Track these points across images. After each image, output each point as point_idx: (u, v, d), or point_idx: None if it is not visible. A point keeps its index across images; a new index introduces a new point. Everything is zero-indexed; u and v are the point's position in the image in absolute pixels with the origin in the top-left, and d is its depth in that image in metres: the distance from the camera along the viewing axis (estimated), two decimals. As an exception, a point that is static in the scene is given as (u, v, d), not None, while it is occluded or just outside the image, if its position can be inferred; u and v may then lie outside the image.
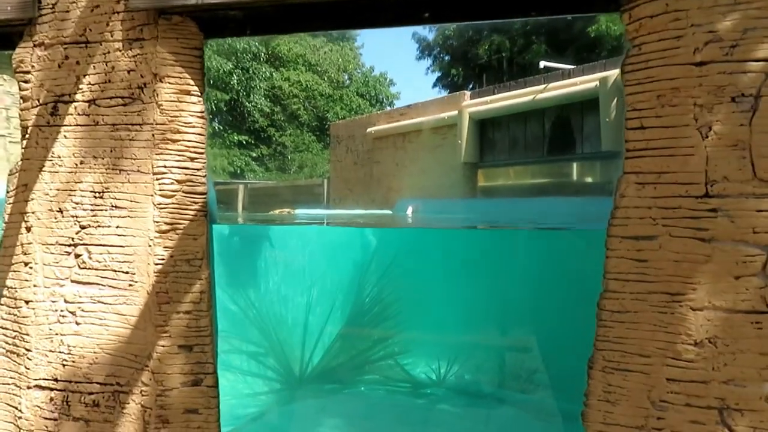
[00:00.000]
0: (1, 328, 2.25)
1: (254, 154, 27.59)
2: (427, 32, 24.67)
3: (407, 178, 10.30)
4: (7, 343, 2.23)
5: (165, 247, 2.03)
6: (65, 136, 2.12)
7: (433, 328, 5.38)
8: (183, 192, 2.04)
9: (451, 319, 5.29)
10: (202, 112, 2.08)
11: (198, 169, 2.06)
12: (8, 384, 2.23)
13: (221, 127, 24.83)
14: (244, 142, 26.47)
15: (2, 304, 2.24)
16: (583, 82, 7.55)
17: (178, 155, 2.04)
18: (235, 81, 24.16)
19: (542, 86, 8.13)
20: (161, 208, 2.03)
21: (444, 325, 5.35)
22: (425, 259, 5.38)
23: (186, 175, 2.05)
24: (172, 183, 2.03)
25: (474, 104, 9.42)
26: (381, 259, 5.62)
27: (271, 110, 28.02)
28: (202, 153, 2.07)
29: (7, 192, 2.24)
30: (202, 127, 2.07)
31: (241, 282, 4.94)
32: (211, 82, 22.59)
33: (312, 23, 2.02)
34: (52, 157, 2.13)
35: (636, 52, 1.71)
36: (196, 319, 2.05)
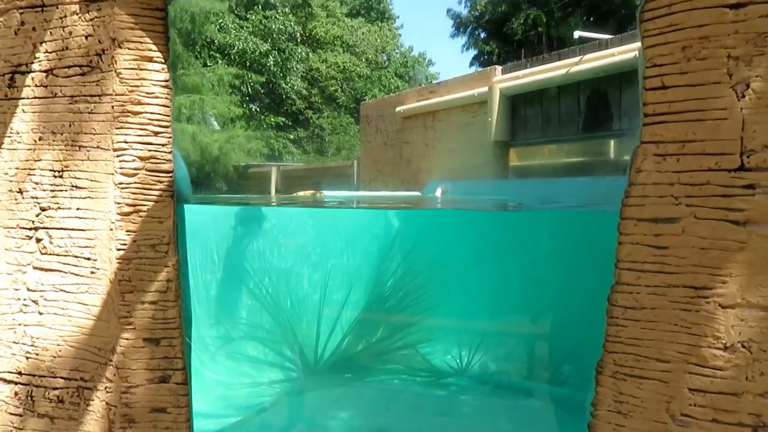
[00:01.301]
0: (-30, 316, 2.12)
1: (292, 137, 27.59)
2: (462, 8, 24.03)
3: (437, 158, 9.98)
4: (-25, 332, 2.10)
5: (127, 231, 1.85)
6: (23, 110, 1.95)
7: (457, 315, 5.13)
8: (146, 170, 1.85)
9: (476, 305, 5.03)
10: (167, 81, 1.87)
11: (163, 145, 1.87)
12: (-23, 376, 2.10)
13: (258, 109, 24.86)
14: (282, 124, 26.46)
15: (-30, 292, 2.11)
16: (621, 53, 7.05)
17: (140, 129, 1.85)
18: (272, 62, 24.08)
19: (577, 58, 7.66)
20: (123, 188, 1.84)
21: (468, 312, 5.10)
22: (449, 243, 5.11)
23: (149, 151, 1.85)
24: (133, 160, 1.84)
25: (505, 80, 8.99)
26: (403, 242, 5.38)
27: (308, 92, 27.91)
28: (167, 127, 1.87)
29: (-28, 172, 2.09)
30: (166, 98, 1.87)
31: (252, 266, 4.79)
32: (247, 64, 22.56)
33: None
34: (10, 133, 1.96)
35: (656, -5, 1.41)
36: (163, 310, 1.87)
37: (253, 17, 23.99)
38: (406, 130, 10.94)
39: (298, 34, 26.08)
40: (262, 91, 25.35)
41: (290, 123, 27.41)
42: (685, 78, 1.39)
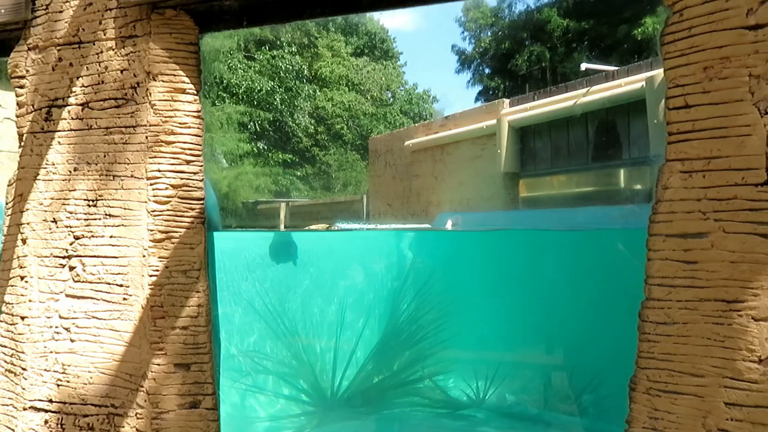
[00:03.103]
0: (0, 346, 2.14)
1: (299, 174, 27.81)
2: (467, 44, 24.46)
3: (446, 191, 10.03)
4: (5, 361, 2.12)
5: (160, 257, 1.88)
6: (59, 142, 2.01)
7: (473, 346, 5.09)
8: (178, 198, 1.90)
9: (492, 335, 5.00)
10: (199, 111, 1.93)
11: (194, 173, 1.92)
12: (6, 405, 2.12)
13: (265, 147, 25.14)
14: (289, 161, 26.71)
15: (1, 321, 2.14)
16: (628, 83, 7.16)
17: (173, 158, 1.90)
18: (278, 101, 24.47)
19: (584, 90, 7.76)
20: (155, 216, 1.88)
21: (484, 343, 5.07)
22: (464, 273, 5.11)
23: (181, 179, 1.90)
24: (166, 188, 1.89)
25: (513, 112, 9.11)
26: (418, 274, 5.39)
27: (315, 130, 28.25)
28: (198, 156, 1.93)
29: (6, 203, 2.15)
30: (198, 128, 1.93)
31: (269, 297, 4.79)
32: (255, 102, 22.92)
33: (310, 10, 1.85)
34: (46, 164, 2.02)
35: (677, 19, 1.47)
36: (194, 335, 1.89)
37: (261, 56, 24.48)
38: (415, 164, 11.03)
39: (305, 72, 26.55)
40: (269, 129, 25.69)
41: (297, 160, 27.67)
42: (707, 97, 1.44)
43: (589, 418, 4.50)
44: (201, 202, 1.92)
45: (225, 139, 18.29)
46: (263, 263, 4.74)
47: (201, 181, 1.92)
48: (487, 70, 22.04)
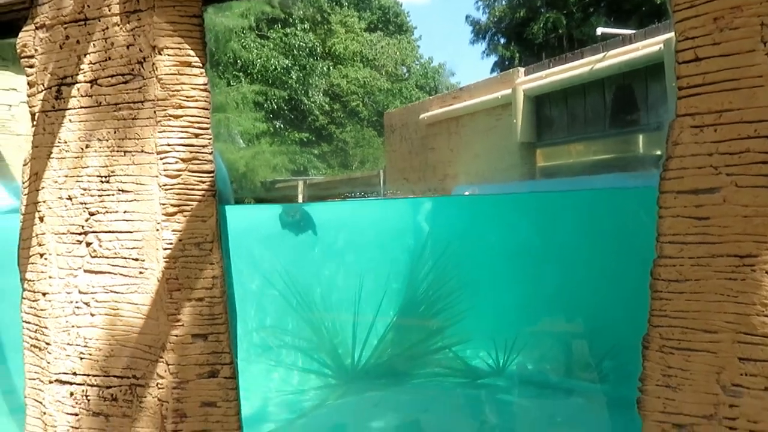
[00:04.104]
0: (25, 322, 2.20)
1: (316, 152, 27.80)
2: (480, 14, 24.03)
3: (462, 163, 9.97)
4: (30, 337, 2.18)
5: (173, 231, 1.91)
6: (70, 120, 2.03)
7: (492, 315, 5.10)
8: (189, 171, 1.91)
9: (511, 304, 5.00)
10: (206, 84, 1.94)
11: (204, 146, 1.93)
12: (33, 379, 2.18)
13: (282, 126, 25.15)
14: (305, 140, 26.70)
15: (24, 298, 2.19)
16: (646, 47, 6.97)
17: (182, 132, 1.91)
18: (293, 79, 24.38)
19: (600, 55, 7.59)
20: (167, 189, 1.90)
21: (504, 312, 5.07)
22: (482, 242, 5.09)
23: (191, 152, 1.91)
24: (176, 162, 1.90)
25: (528, 81, 8.96)
26: (435, 244, 5.39)
27: (330, 107, 28.15)
28: (207, 129, 1.94)
29: (22, 183, 2.19)
30: (205, 101, 1.93)
31: (287, 272, 4.83)
32: (270, 81, 22.86)
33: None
34: (58, 142, 2.05)
35: (685, -32, 1.43)
36: (210, 306, 1.92)
37: (274, 35, 24.35)
38: (430, 137, 10.96)
39: (318, 49, 26.37)
40: (285, 108, 25.66)
41: (314, 138, 27.65)
42: (718, 48, 1.40)
43: (610, 385, 4.50)
44: (211, 175, 1.93)
45: (241, 119, 18.32)
46: (279, 237, 4.77)
47: (210, 154, 1.93)
48: (502, 40, 21.66)
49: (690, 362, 1.45)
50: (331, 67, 27.51)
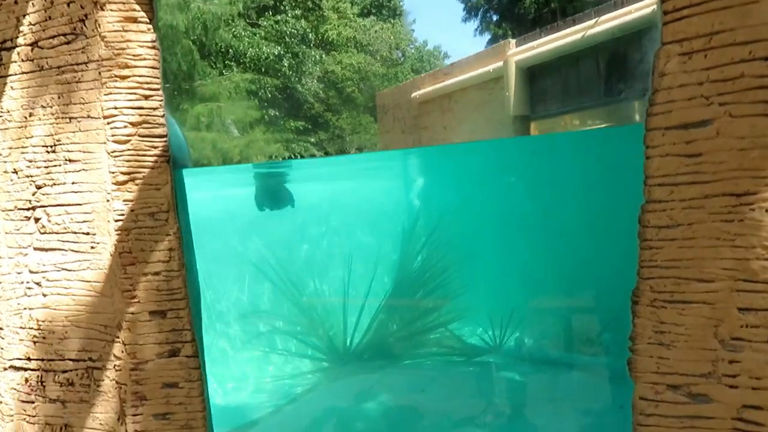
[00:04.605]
0: (-21, 307, 2.06)
1: (312, 140, 27.59)
2: (471, -11, 23.66)
3: (457, 140, 9.79)
4: (-16, 323, 2.04)
5: (124, 201, 1.76)
6: (12, 87, 1.88)
7: (488, 290, 4.97)
8: (139, 136, 1.77)
9: (507, 278, 4.87)
10: (154, 41, 1.78)
11: (154, 108, 1.78)
12: (-9, 367, 2.05)
13: (276, 114, 24.92)
14: (302, 128, 26.48)
15: (-23, 282, 2.05)
16: (638, 9, 6.76)
17: (130, 93, 1.76)
18: (286, 66, 24.11)
19: (592, 21, 7.38)
20: (116, 156, 1.76)
21: (499, 286, 4.93)
22: (474, 214, 4.93)
23: (140, 116, 1.76)
24: (125, 126, 1.75)
25: (520, 52, 8.75)
26: (426, 219, 5.25)
27: (325, 94, 27.88)
28: (157, 90, 1.79)
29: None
30: (154, 59, 1.78)
31: (272, 252, 4.69)
32: (262, 69, 22.61)
33: None
34: (1, 112, 1.90)
35: None
36: (167, 281, 1.78)
37: (265, 23, 24.07)
38: (423, 116, 10.77)
39: (311, 36, 26.07)
40: (279, 96, 25.41)
41: (310, 126, 27.41)
42: (706, -38, 1.25)
43: (612, 357, 4.37)
44: (164, 139, 1.78)
45: (234, 108, 18.13)
46: (263, 218, 4.62)
47: (162, 117, 1.78)
48: (494, 17, 21.36)
49: (684, 316, 1.31)
50: (323, 55, 27.23)
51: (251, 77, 21.13)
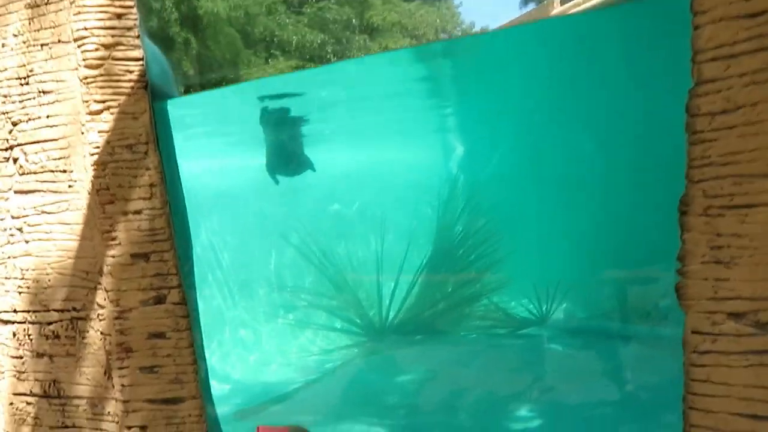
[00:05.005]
0: (-30, 261, 1.95)
1: (360, 125, 27.49)
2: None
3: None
4: (-24, 277, 1.93)
5: (99, 132, 1.59)
6: (-17, 17, 1.74)
7: (532, 259, 4.65)
8: (112, 59, 1.59)
9: (553, 244, 4.54)
10: (125, -47, 1.60)
11: (128, 29, 1.60)
12: (-16, 324, 1.94)
13: (323, 102, 24.94)
14: (349, 115, 26.39)
15: (-33, 234, 1.94)
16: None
17: (100, 12, 1.59)
18: (330, 53, 24.06)
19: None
20: (88, 83, 1.59)
21: (544, 254, 4.61)
22: (516, 172, 4.60)
23: (113, 36, 1.59)
24: (96, 48, 1.58)
25: (565, 10, 8.29)
26: (466, 185, 4.97)
27: (372, 80, 27.70)
28: (131, 7, 1.60)
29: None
30: (127, -27, 1.60)
31: (304, 226, 4.51)
32: (307, 57, 22.61)
33: None
34: (-26, 45, 1.76)
35: None
36: (149, 220, 1.61)
37: (308, 10, 24.06)
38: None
39: (355, 22, 25.92)
40: (325, 84, 25.34)
41: (357, 112, 27.31)
42: None
43: (671, 326, 4.00)
44: (140, 62, 1.60)
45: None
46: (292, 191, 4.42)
47: (137, 38, 1.60)
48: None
49: (748, 224, 1.03)
50: (367, 40, 27.03)
51: (296, 64, 21.17)
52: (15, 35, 1.69)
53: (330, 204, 4.98)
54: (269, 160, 3.42)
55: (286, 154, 3.54)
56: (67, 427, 1.74)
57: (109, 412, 1.68)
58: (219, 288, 4.53)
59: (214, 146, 4.62)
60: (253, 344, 4.45)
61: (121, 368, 1.64)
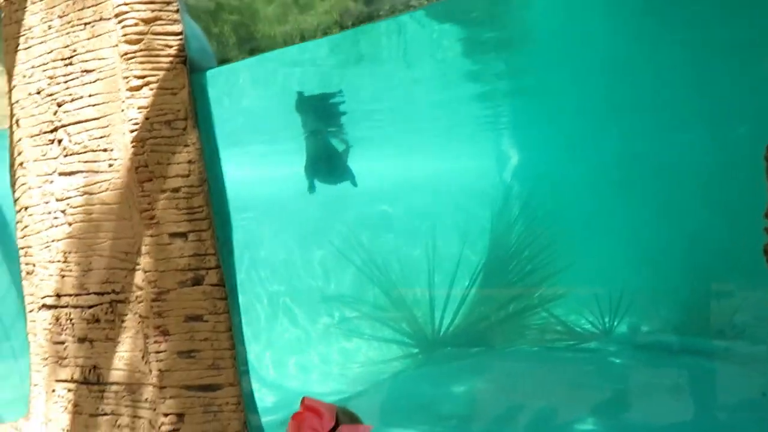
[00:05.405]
0: (20, 248, 1.96)
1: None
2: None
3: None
4: (25, 263, 1.93)
5: (138, 108, 1.57)
6: (32, 2, 1.76)
7: (595, 272, 4.41)
8: (152, 34, 1.57)
9: (617, 253, 4.29)
10: (165, -71, 1.58)
11: (167, 3, 1.58)
12: (31, 311, 1.93)
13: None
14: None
15: (17, 221, 1.96)
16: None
17: (141, -13, 1.57)
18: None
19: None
20: (128, 59, 1.57)
21: (610, 266, 4.35)
22: (577, 176, 4.38)
23: (153, 11, 1.57)
24: (136, 23, 1.56)
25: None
26: (520, 194, 4.80)
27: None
28: (171, -18, 1.58)
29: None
30: (166, -52, 1.58)
31: (355, 236, 4.42)
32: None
33: None
34: (24, 31, 1.79)
35: None
36: (187, 199, 1.56)
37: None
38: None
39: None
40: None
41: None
42: None
43: (747, 341, 3.70)
44: (179, 37, 1.58)
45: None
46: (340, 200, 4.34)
47: (176, 12, 1.58)
48: None
49: None
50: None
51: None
52: (60, 16, 1.70)
53: (379, 210, 4.90)
54: (308, 162, 3.30)
55: (328, 161, 3.41)
56: (105, 414, 1.69)
57: (146, 399, 1.62)
58: (269, 297, 4.51)
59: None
60: (302, 353, 4.38)
61: (158, 352, 1.58)
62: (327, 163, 3.42)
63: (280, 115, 3.71)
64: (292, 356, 4.32)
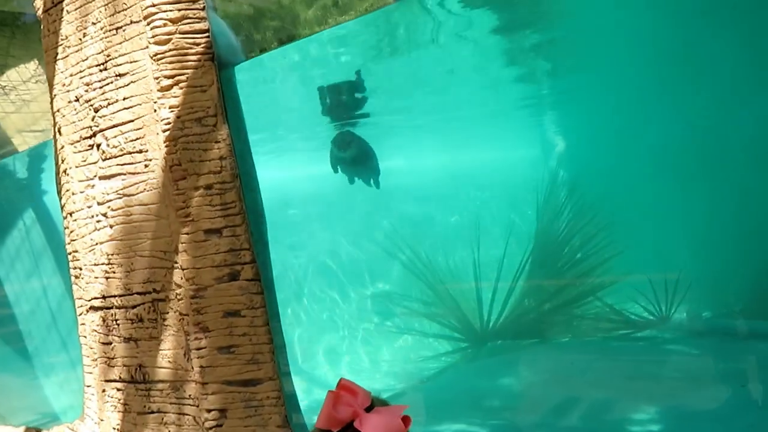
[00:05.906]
0: (68, 254, 2.02)
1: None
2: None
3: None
4: (73, 267, 1.98)
5: (170, 108, 1.58)
6: (68, 11, 1.81)
7: (650, 257, 4.24)
8: (180, 33, 1.58)
9: (672, 237, 4.12)
10: (189, -71, 1.59)
11: (193, 1, 1.58)
12: (80, 314, 1.99)
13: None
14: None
15: (65, 227, 2.02)
16: None
17: (167, -12, 1.58)
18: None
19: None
20: (158, 60, 1.59)
21: (666, 251, 4.18)
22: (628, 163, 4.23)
23: (179, 10, 1.58)
24: (164, 24, 1.58)
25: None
26: (568, 180, 4.67)
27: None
28: (196, -20, 1.59)
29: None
30: (190, -52, 1.59)
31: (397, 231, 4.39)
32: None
33: None
34: (61, 40, 1.83)
35: None
36: (220, 194, 1.57)
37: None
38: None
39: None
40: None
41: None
42: None
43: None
44: (206, 35, 1.58)
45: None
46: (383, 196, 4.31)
47: (202, 10, 1.58)
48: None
49: None
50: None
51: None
52: (94, 23, 1.73)
53: (424, 206, 4.86)
54: (333, 152, 3.31)
55: (358, 155, 3.41)
56: (152, 412, 1.72)
57: (189, 395, 1.63)
58: (313, 294, 4.53)
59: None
60: (350, 352, 4.39)
61: (199, 349, 1.59)
62: (356, 157, 3.43)
63: (312, 108, 3.73)
64: (340, 354, 4.33)
